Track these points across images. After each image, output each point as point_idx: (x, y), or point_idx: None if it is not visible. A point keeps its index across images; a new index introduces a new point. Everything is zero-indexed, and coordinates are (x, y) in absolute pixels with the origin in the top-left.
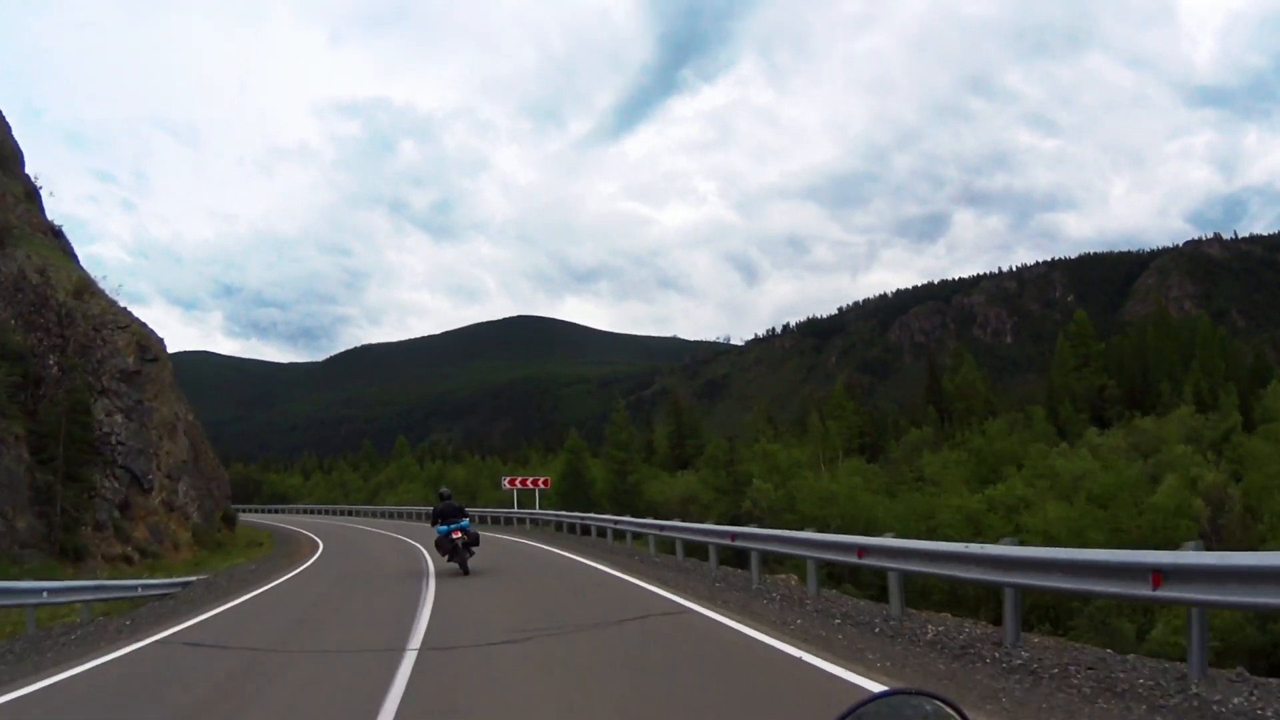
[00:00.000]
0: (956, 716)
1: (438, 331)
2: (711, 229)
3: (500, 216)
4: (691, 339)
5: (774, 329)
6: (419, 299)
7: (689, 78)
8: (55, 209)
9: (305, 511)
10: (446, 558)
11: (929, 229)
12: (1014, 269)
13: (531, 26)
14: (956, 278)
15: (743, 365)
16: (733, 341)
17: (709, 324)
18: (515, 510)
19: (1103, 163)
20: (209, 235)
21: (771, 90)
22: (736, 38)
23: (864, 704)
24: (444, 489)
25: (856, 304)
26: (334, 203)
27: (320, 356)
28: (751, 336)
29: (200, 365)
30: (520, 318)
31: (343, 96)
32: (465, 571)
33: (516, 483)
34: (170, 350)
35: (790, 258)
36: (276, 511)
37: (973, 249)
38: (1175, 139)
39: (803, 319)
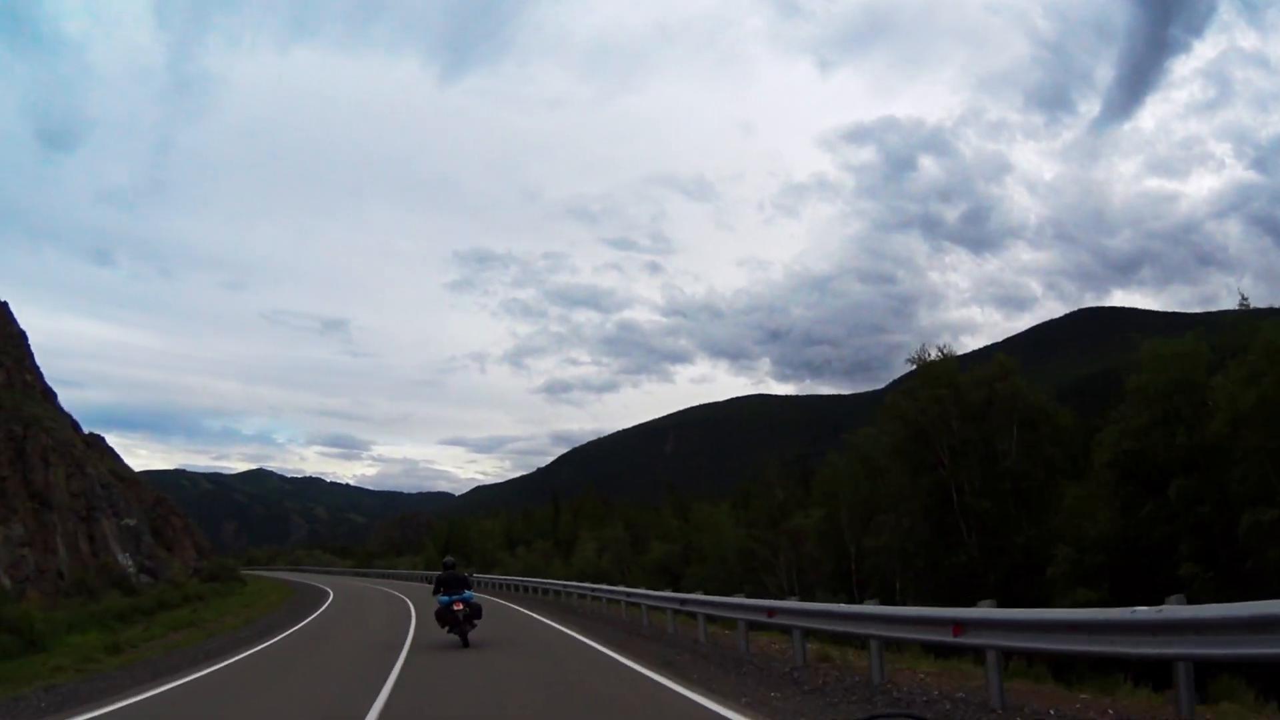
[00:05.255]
0: None
1: (998, 341)
2: (1236, 194)
3: (1034, 217)
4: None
5: None
6: (969, 315)
7: (1179, 35)
8: (573, 281)
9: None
10: (447, 629)
11: None
12: None
13: (1014, 11)
14: None
15: None
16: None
17: (1255, 295)
18: None
19: None
20: (743, 284)
21: (1254, 31)
22: None
23: None
24: (448, 558)
25: None
26: (865, 232)
27: (880, 386)
28: None
29: (756, 408)
30: (1080, 312)
31: (847, 123)
32: (465, 644)
33: None
34: (722, 399)
35: None
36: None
37: None
38: None
39: None
